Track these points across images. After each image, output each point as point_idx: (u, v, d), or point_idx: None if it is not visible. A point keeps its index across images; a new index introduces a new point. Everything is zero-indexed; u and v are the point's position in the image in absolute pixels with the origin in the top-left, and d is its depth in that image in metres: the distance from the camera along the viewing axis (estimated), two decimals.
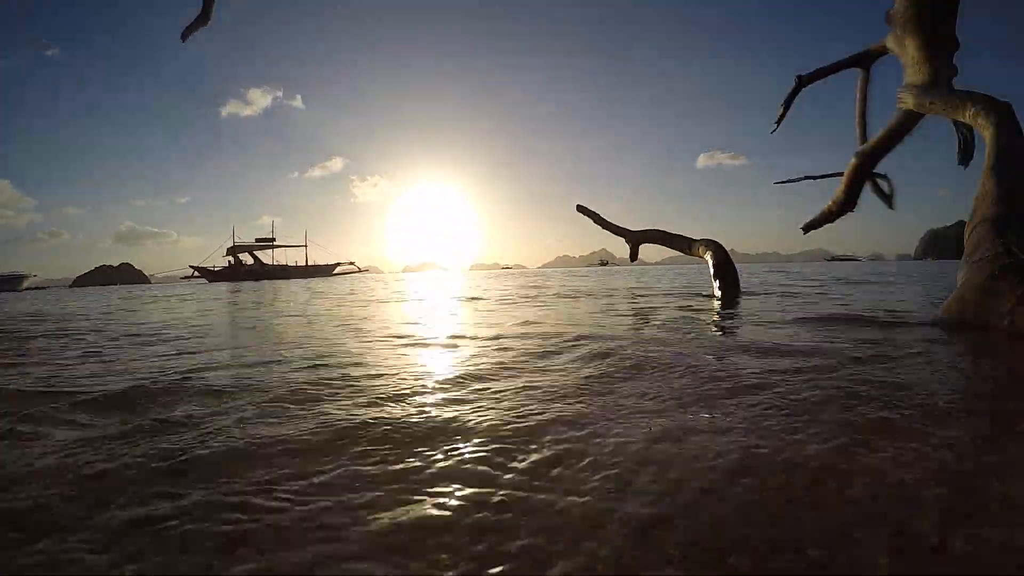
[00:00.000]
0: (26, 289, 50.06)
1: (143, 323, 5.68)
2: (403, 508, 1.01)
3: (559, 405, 1.70)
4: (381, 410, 1.70)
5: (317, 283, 24.57)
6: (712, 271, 6.69)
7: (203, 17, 5.54)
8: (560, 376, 2.15)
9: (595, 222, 8.11)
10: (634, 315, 4.70)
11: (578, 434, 1.40)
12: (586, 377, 2.12)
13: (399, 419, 1.58)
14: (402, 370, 2.41)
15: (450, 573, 0.81)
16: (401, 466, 1.22)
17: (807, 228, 5.91)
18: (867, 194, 5.46)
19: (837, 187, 5.47)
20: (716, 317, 4.32)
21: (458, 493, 1.07)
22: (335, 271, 66.69)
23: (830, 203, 5.56)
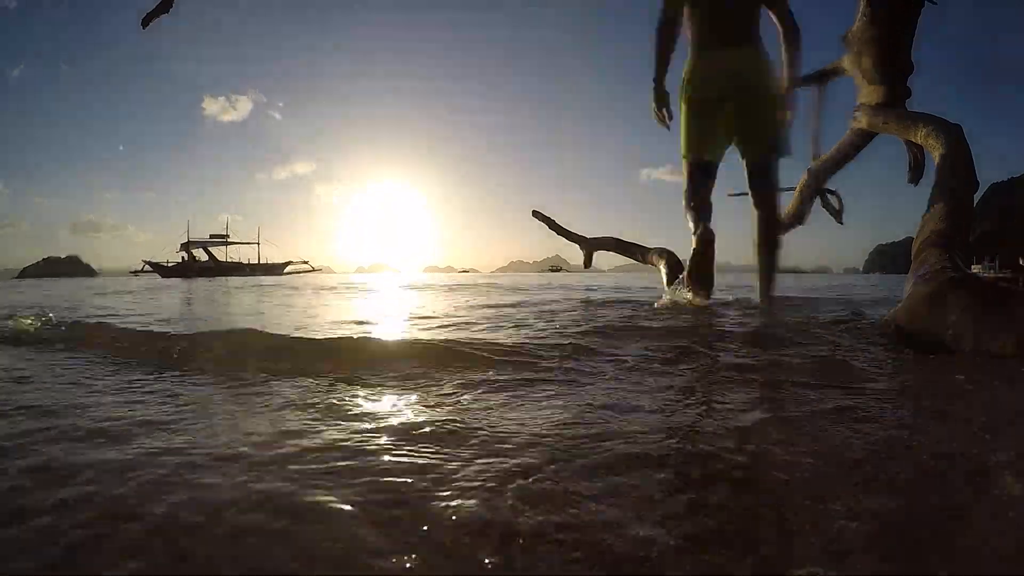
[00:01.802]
0: None
1: None
2: None
3: None
4: None
5: (236, 282, 23.80)
6: (665, 279, 6.63)
7: (165, 4, 5.31)
8: None
9: (550, 228, 7.97)
10: None
11: None
12: None
13: None
14: None
15: None
16: None
17: None
18: (817, 209, 5.48)
19: (788, 201, 5.45)
20: None
21: None
22: (286, 270, 65.38)
23: (781, 216, 5.55)
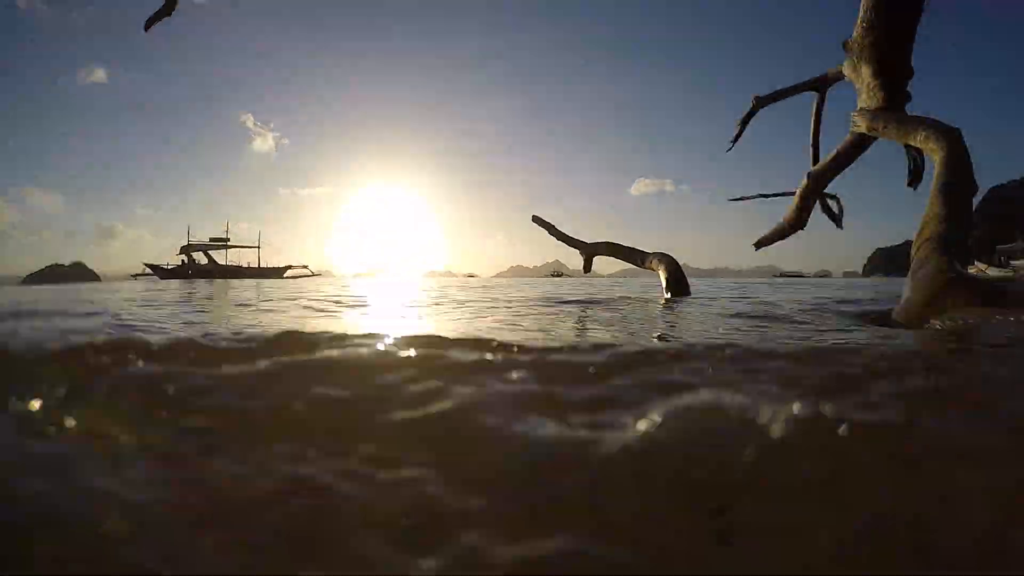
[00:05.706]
0: None
1: None
2: None
3: None
4: None
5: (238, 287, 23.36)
6: (664, 284, 6.63)
7: (167, 7, 5.39)
8: None
9: (550, 233, 7.98)
10: None
11: None
12: None
13: None
14: None
15: None
16: None
17: (759, 245, 5.88)
18: (817, 213, 5.48)
19: (788, 205, 5.45)
20: None
21: None
22: (286, 274, 64.62)
23: (781, 221, 5.55)
